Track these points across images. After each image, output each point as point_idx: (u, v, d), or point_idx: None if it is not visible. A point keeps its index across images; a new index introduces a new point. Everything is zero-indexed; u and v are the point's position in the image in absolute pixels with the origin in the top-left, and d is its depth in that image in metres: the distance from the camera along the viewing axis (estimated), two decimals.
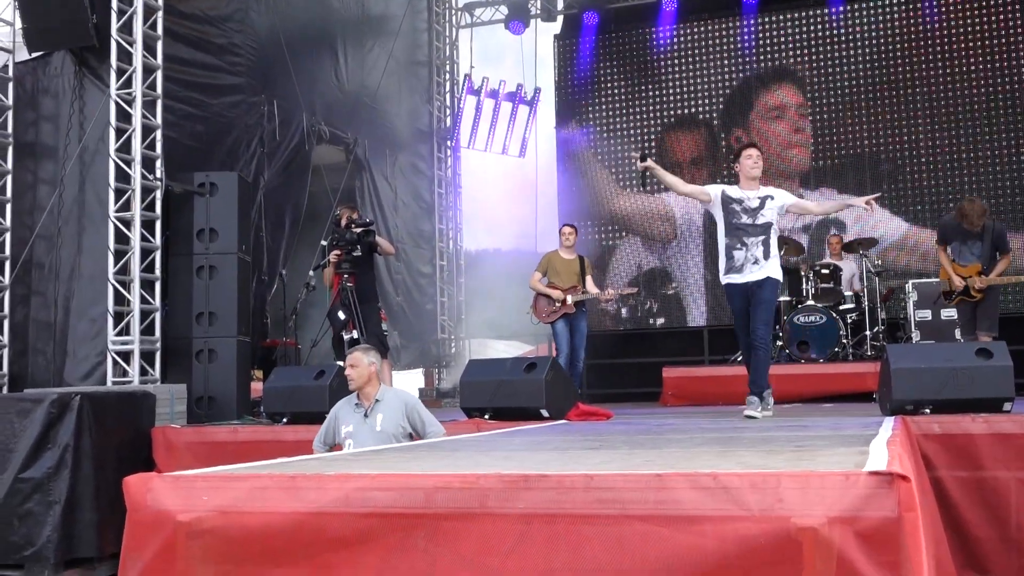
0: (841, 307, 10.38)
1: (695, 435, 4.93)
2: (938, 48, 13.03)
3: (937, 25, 13.00)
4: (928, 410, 5.57)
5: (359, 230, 8.58)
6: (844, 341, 10.04)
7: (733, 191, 6.79)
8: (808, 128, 13.46)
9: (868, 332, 10.37)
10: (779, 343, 10.32)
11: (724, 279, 6.75)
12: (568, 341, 9.49)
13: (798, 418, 6.49)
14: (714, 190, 6.85)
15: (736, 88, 13.86)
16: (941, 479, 5.23)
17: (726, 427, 5.61)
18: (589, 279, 9.61)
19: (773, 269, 6.65)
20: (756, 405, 6.55)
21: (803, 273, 10.51)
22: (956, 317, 9.22)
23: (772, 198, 6.72)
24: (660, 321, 13.83)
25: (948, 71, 12.94)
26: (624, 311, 13.97)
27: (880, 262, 11.25)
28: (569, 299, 9.44)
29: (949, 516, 5.13)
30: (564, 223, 10.17)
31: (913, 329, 10.59)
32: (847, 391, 8.99)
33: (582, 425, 6.60)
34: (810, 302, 10.22)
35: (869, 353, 10.17)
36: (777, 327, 10.44)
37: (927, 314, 10.51)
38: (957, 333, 9.37)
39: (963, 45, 12.92)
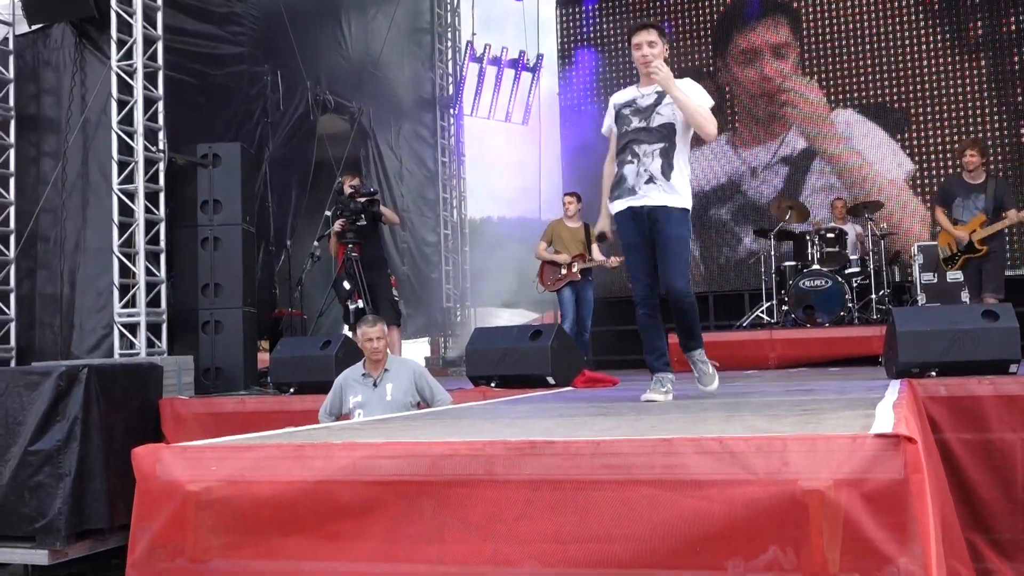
0: (846, 271, 10.36)
1: (701, 400, 4.94)
2: None
3: None
4: (934, 373, 5.58)
5: (363, 199, 8.56)
6: (850, 305, 10.03)
7: (625, 94, 5.26)
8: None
9: (874, 295, 10.35)
10: (784, 308, 10.32)
11: (612, 207, 5.21)
12: (574, 308, 9.49)
13: (804, 382, 6.50)
14: (609, 114, 5.33)
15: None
16: (947, 441, 5.24)
17: (731, 392, 5.62)
18: (595, 247, 9.59)
19: (678, 195, 5.00)
20: (664, 384, 5.08)
21: (808, 237, 10.49)
22: (962, 280, 9.18)
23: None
24: None
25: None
26: None
27: (885, 225, 11.22)
28: (575, 267, 9.43)
29: (955, 478, 5.15)
30: (565, 192, 10.13)
31: (919, 292, 10.58)
32: (853, 355, 8.98)
33: (588, 392, 6.61)
34: (815, 266, 10.20)
35: (875, 317, 10.17)
36: (783, 292, 10.43)
37: (932, 277, 10.49)
38: (963, 296, 9.35)
39: None
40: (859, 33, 13.18)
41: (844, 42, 13.24)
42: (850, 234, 10.73)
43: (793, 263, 10.64)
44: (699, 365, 5.30)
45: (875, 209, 10.85)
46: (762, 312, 10.90)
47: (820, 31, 13.39)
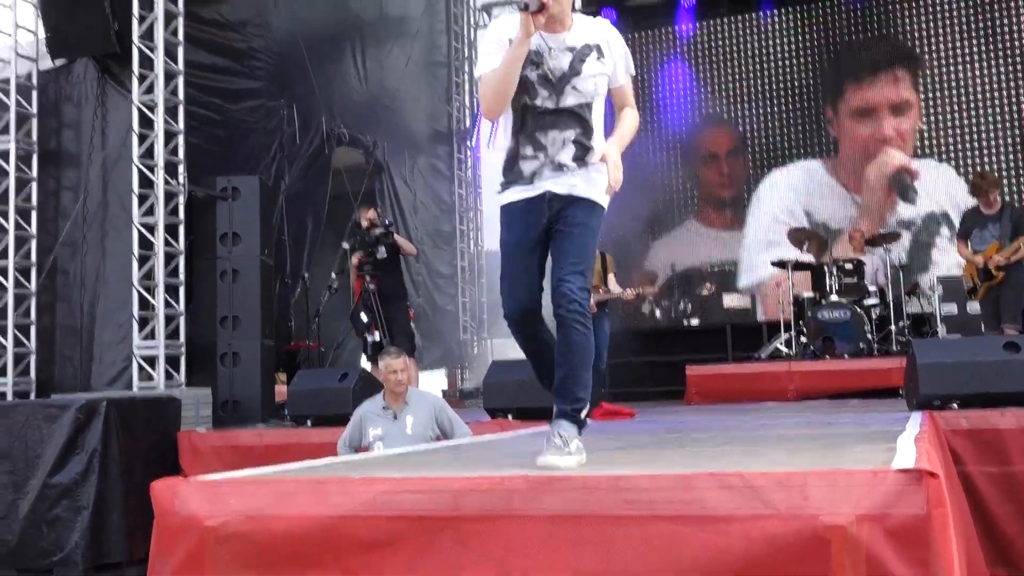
0: (865, 302, 10.30)
1: (720, 434, 4.91)
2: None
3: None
4: (956, 405, 5.53)
5: (379, 231, 8.61)
6: (869, 336, 9.97)
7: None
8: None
9: (893, 327, 10.29)
10: (803, 339, 10.26)
11: (500, 198, 3.74)
12: None
13: (824, 415, 6.46)
14: (496, 53, 3.61)
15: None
16: (970, 475, 5.18)
17: (751, 425, 5.58)
18: (611, 278, 9.56)
19: (594, 185, 3.66)
20: (564, 444, 3.33)
21: (826, 268, 10.45)
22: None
23: (600, 52, 3.66)
24: (695, 322, 13.74)
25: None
26: (658, 312, 13.90)
27: (905, 256, 11.17)
28: (592, 300, 9.39)
29: (979, 512, 5.09)
30: None
31: (939, 323, 10.51)
32: (873, 387, 8.91)
33: (606, 424, 6.59)
34: (834, 297, 10.15)
35: (895, 348, 10.10)
36: (801, 323, 10.37)
37: (953, 308, 10.44)
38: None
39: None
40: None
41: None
42: (868, 265, 10.68)
43: (811, 294, 10.59)
44: (559, 430, 3.41)
45: (892, 240, 10.81)
46: (780, 344, 10.85)
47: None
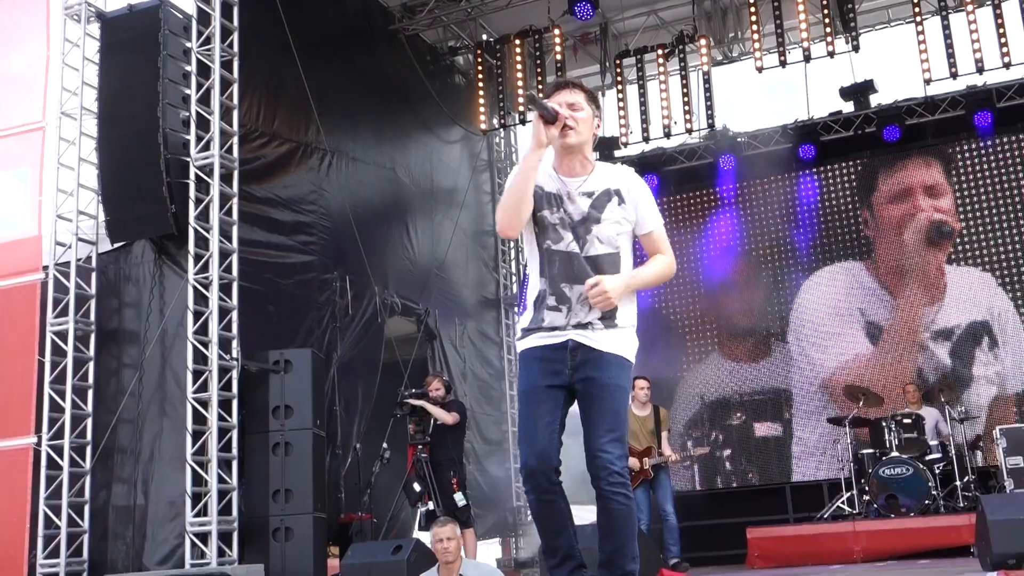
0: (927, 457, 10.05)
1: None
2: None
3: None
4: None
5: (401, 401, 8.59)
6: (934, 493, 9.67)
7: (548, 178, 3.63)
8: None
9: (959, 482, 9.99)
10: (866, 497, 9.98)
11: (519, 344, 3.69)
12: (647, 508, 9.21)
13: None
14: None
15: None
16: None
17: None
18: (664, 438, 9.44)
19: (621, 339, 3.60)
20: None
21: (884, 424, 10.24)
22: None
23: (620, 197, 3.63)
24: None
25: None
26: (696, 468, 13.58)
27: (964, 408, 10.93)
28: (647, 463, 9.23)
29: None
30: (635, 375, 9.98)
31: (1006, 478, 10.19)
32: (943, 546, 8.61)
33: None
34: (894, 453, 9.92)
35: (962, 504, 9.77)
36: (863, 481, 10.11)
37: (1019, 461, 10.12)
38: None
39: None
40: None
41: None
42: (927, 418, 10.46)
43: (871, 451, 10.36)
44: None
45: (949, 393, 10.61)
46: (842, 503, 10.55)
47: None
